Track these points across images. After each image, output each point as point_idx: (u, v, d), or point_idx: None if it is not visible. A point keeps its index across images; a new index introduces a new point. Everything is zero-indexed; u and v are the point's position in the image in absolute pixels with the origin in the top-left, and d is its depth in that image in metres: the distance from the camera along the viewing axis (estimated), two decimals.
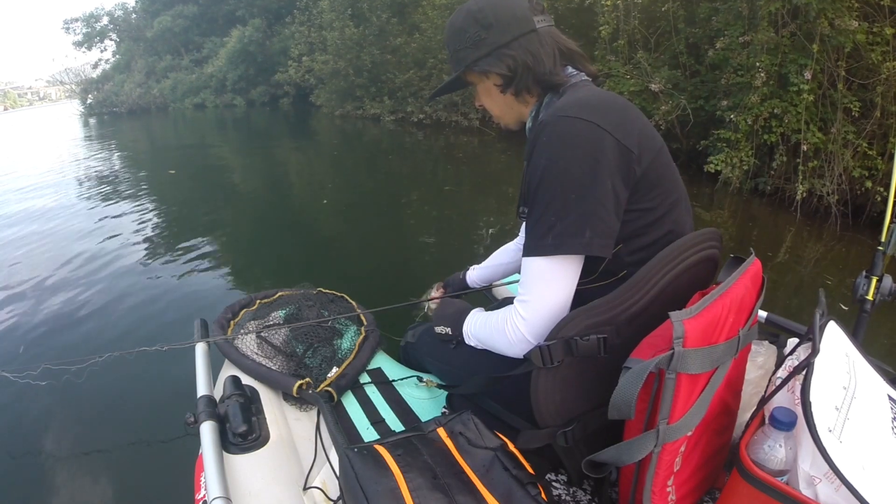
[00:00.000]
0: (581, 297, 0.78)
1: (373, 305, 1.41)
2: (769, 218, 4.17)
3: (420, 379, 1.16)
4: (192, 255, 3.58)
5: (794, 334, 1.14)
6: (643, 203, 0.78)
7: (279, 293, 1.45)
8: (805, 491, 0.62)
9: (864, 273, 1.11)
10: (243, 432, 0.91)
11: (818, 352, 0.68)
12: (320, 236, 4.21)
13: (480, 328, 0.93)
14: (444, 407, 1.10)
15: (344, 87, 11.69)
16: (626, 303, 0.73)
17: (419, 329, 1.24)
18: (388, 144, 8.77)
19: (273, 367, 1.15)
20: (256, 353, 1.20)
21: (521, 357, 0.79)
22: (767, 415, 0.67)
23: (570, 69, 0.89)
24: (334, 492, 0.85)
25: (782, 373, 0.74)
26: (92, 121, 18.54)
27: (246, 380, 1.10)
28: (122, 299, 2.91)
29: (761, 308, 0.93)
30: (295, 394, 1.06)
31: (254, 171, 7.29)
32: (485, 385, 0.93)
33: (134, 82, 20.66)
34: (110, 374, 1.93)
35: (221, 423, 0.93)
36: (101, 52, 23.98)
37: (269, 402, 1.05)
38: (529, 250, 0.77)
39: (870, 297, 1.09)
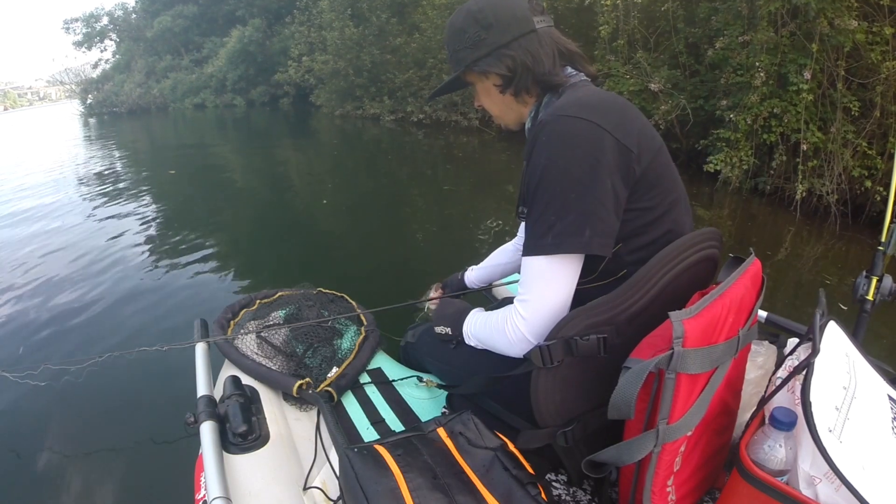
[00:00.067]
0: (581, 296, 0.78)
1: (373, 305, 1.41)
2: (769, 217, 4.18)
3: (420, 379, 1.16)
4: (193, 255, 3.58)
5: (794, 334, 1.14)
6: (642, 202, 0.78)
7: (279, 293, 1.45)
8: (805, 491, 0.62)
9: (864, 273, 1.11)
10: (243, 432, 0.91)
11: (818, 352, 0.68)
12: (320, 236, 4.21)
13: (480, 328, 0.93)
14: (444, 407, 1.10)
15: (344, 87, 11.69)
16: (626, 302, 0.73)
17: (419, 329, 1.24)
18: (388, 144, 8.77)
19: (273, 367, 1.15)
20: (256, 353, 1.20)
21: (521, 357, 0.79)
22: (767, 415, 0.67)
23: (569, 69, 0.89)
24: (334, 492, 0.85)
25: (782, 373, 0.74)
26: (92, 121, 18.53)
27: (246, 380, 1.09)
28: (122, 299, 2.91)
29: (761, 308, 0.93)
30: (295, 394, 1.06)
31: (254, 171, 7.29)
32: (485, 385, 0.93)
33: (134, 82, 20.67)
34: (110, 374, 1.93)
35: (221, 423, 0.93)
36: (101, 52, 24.05)
37: (269, 402, 1.05)
38: (529, 249, 0.77)
39: (870, 297, 1.09)
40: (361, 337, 1.28)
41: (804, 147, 3.96)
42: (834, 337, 0.76)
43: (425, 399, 1.13)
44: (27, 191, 6.16)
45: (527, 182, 0.79)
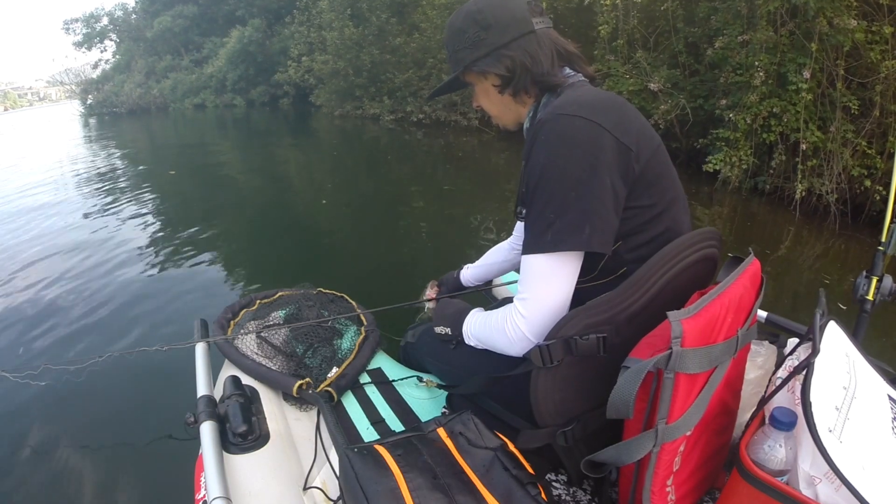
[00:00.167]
0: (580, 295, 0.78)
1: (373, 305, 1.41)
2: (768, 217, 4.17)
3: (420, 379, 1.16)
4: (193, 255, 3.58)
5: (794, 334, 1.14)
6: (642, 200, 0.78)
7: (279, 293, 1.45)
8: (805, 491, 0.62)
9: (864, 273, 1.11)
10: (243, 432, 0.91)
11: (818, 352, 0.68)
12: (320, 236, 4.21)
13: (480, 328, 0.93)
14: (444, 407, 1.10)
15: (343, 87, 11.68)
16: (626, 302, 0.74)
17: (419, 329, 1.24)
18: (388, 144, 8.76)
19: (273, 367, 1.15)
20: (256, 353, 1.20)
21: (522, 356, 0.79)
22: (767, 415, 0.67)
23: (567, 70, 0.89)
24: (334, 492, 0.85)
25: (782, 373, 0.74)
26: (92, 121, 18.51)
27: (246, 380, 1.10)
28: (123, 299, 2.91)
29: (761, 308, 0.94)
30: (295, 394, 1.06)
31: (254, 171, 7.28)
32: (485, 385, 0.93)
33: (134, 82, 20.65)
34: (110, 374, 1.93)
35: (221, 423, 0.93)
36: (101, 52, 24.02)
37: (269, 402, 1.05)
38: (529, 248, 0.77)
39: (870, 297, 1.09)
40: (361, 337, 1.29)
41: (804, 146, 3.97)
42: (834, 337, 0.76)
43: (425, 399, 1.13)
44: (27, 191, 6.16)
45: (526, 181, 0.79)
